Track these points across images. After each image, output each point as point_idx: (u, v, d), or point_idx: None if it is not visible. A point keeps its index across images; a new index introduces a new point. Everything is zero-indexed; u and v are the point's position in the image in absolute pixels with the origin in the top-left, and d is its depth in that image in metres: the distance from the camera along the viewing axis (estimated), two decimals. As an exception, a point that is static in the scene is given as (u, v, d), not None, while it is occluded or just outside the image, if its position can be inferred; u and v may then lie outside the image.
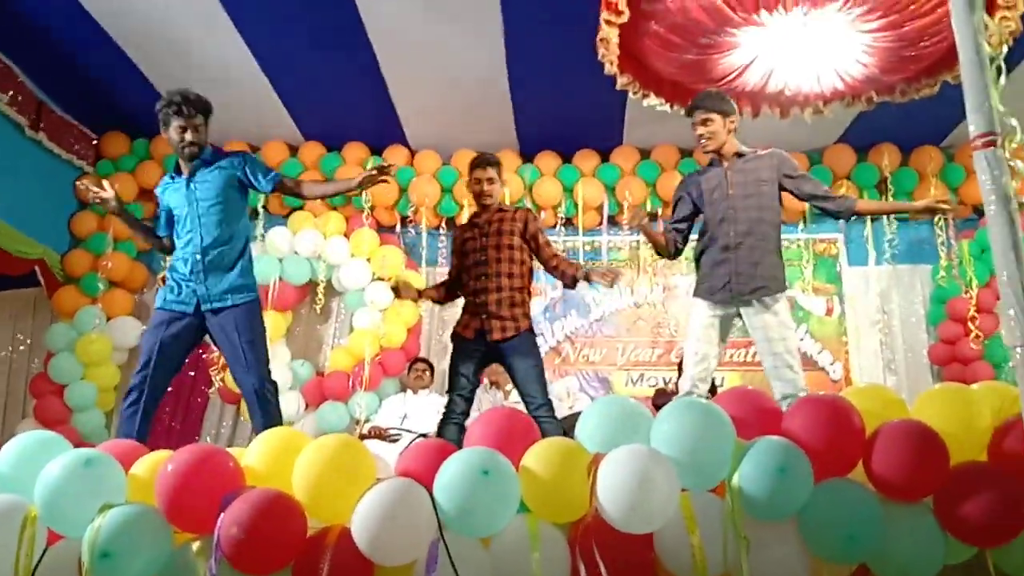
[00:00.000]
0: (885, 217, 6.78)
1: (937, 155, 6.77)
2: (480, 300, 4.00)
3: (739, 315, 3.72)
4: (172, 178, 3.74)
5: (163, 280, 3.70)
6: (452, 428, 3.91)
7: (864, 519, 2.29)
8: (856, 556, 2.34)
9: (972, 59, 2.51)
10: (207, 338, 3.70)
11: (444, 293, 4.32)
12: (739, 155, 3.82)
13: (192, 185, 3.65)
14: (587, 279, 4.04)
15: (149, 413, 3.51)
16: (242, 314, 3.59)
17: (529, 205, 6.99)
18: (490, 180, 4.12)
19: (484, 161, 4.16)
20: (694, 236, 4.02)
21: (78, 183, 3.62)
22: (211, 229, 3.61)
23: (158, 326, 3.58)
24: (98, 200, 3.74)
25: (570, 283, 4.11)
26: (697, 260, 3.90)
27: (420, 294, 4.29)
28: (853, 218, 3.87)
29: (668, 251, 4.03)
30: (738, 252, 3.68)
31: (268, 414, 3.55)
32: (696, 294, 3.82)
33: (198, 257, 3.59)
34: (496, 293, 3.98)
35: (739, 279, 3.66)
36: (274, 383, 3.64)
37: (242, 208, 3.77)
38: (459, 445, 3.86)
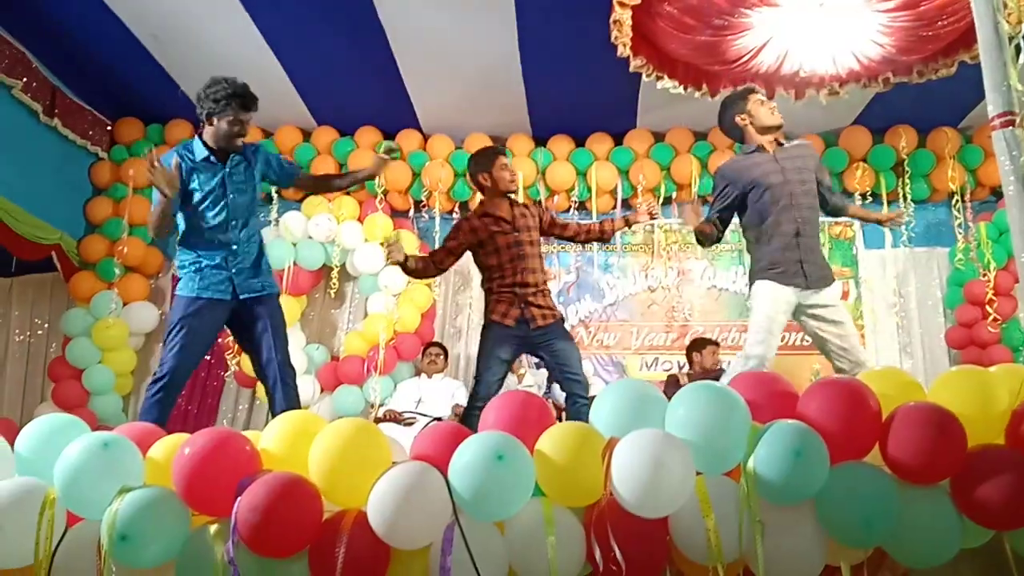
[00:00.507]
0: (902, 200, 6.73)
1: (955, 136, 6.70)
2: (520, 292, 3.98)
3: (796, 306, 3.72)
4: (205, 160, 3.67)
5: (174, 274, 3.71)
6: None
7: (881, 502, 2.28)
8: (873, 539, 2.33)
9: (990, 38, 2.48)
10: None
11: (422, 268, 4.13)
12: (779, 143, 3.81)
13: (227, 177, 3.67)
14: (627, 224, 4.24)
15: (172, 401, 3.55)
16: (271, 303, 3.71)
17: (542, 189, 6.97)
18: (512, 171, 4.15)
19: (503, 151, 4.16)
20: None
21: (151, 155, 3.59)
22: (245, 222, 3.69)
23: (190, 315, 3.58)
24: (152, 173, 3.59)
25: (609, 239, 4.39)
26: (752, 243, 3.84)
27: (405, 259, 4.03)
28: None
29: (712, 240, 3.98)
30: (804, 239, 3.67)
31: (288, 399, 3.62)
32: (765, 277, 3.70)
33: (234, 247, 3.65)
34: (534, 287, 4.01)
35: (810, 267, 3.67)
36: (293, 369, 3.71)
37: (259, 201, 3.88)
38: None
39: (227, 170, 3.67)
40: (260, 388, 6.42)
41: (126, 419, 6.50)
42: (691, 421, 2.38)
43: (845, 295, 6.81)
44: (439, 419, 4.95)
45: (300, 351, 6.53)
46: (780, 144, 3.79)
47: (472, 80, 6.21)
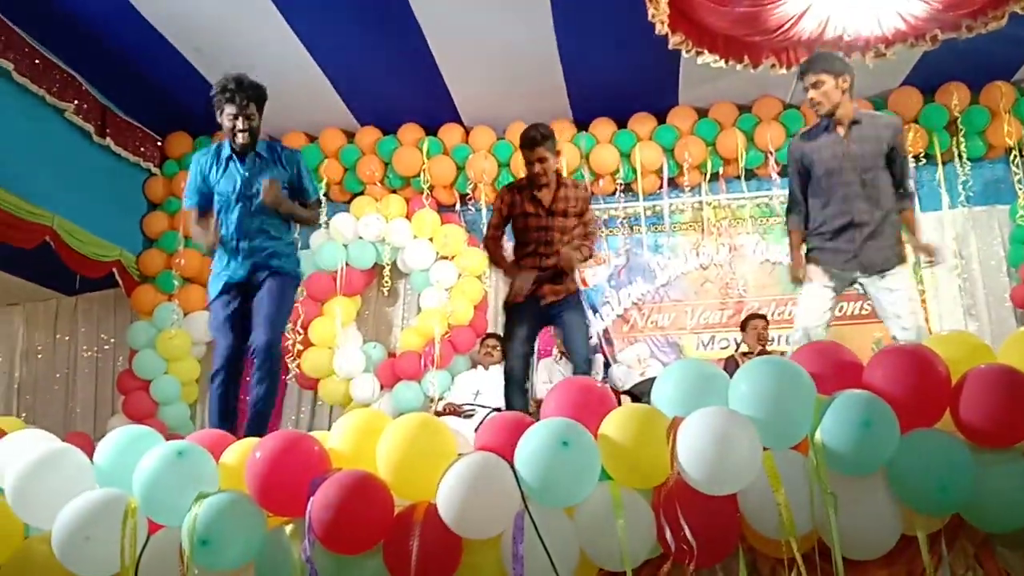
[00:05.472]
0: (957, 159, 6.56)
1: (1009, 91, 6.50)
2: (537, 274, 4.02)
3: (854, 281, 3.69)
4: (228, 159, 3.69)
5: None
6: (519, 395, 4.02)
7: (955, 468, 2.24)
8: (949, 506, 2.29)
9: (1045, -14, 2.41)
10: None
11: (501, 254, 4.24)
12: (854, 122, 3.62)
13: (250, 183, 3.65)
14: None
15: (234, 389, 3.66)
16: (278, 283, 3.66)
17: (587, 174, 6.92)
18: (541, 160, 3.98)
19: (531, 141, 4.00)
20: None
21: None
22: (260, 223, 3.66)
23: (219, 310, 3.67)
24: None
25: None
26: (810, 219, 3.78)
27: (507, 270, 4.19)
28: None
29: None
30: (863, 229, 3.59)
31: (270, 370, 3.61)
32: (812, 261, 3.71)
33: (245, 246, 3.64)
34: (553, 269, 4.02)
35: (868, 255, 3.59)
36: (280, 354, 3.72)
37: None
38: (526, 409, 3.95)
39: (245, 170, 3.66)
40: (322, 389, 6.56)
41: (194, 427, 6.66)
42: (755, 397, 2.37)
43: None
44: (498, 410, 4.96)
45: (358, 350, 6.62)
46: (856, 122, 3.61)
47: (509, 68, 6.20)
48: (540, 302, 4.02)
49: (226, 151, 3.72)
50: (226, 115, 3.60)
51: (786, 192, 3.97)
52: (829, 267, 3.65)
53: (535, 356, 6.52)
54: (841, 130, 3.63)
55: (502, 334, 4.21)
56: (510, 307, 4.13)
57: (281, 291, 3.67)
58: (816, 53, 3.83)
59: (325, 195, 6.99)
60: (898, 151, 3.68)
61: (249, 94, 3.61)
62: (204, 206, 3.77)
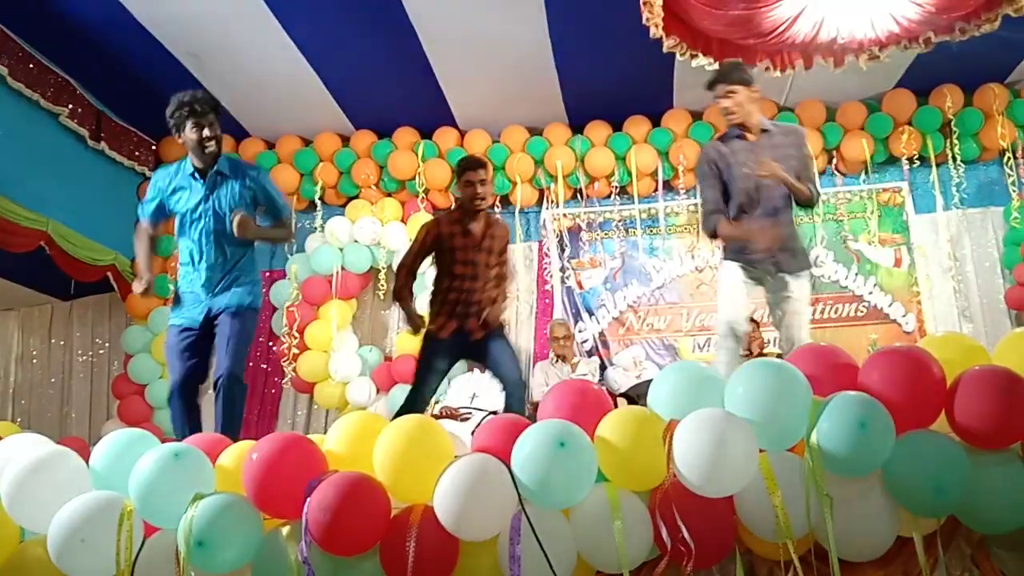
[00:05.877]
0: (951, 161, 6.58)
1: (1002, 93, 6.52)
2: (461, 310, 4.03)
3: (763, 281, 3.80)
4: (191, 177, 3.64)
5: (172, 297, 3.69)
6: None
7: (951, 470, 2.25)
8: (945, 508, 2.30)
9: (1037, -12, 2.42)
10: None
11: (409, 291, 4.21)
12: (764, 131, 3.76)
13: (210, 200, 3.59)
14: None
15: (188, 408, 3.59)
16: (239, 318, 3.58)
17: (582, 177, 6.94)
18: (483, 182, 4.01)
19: (477, 163, 4.06)
20: None
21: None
22: (225, 246, 3.60)
23: (175, 336, 3.61)
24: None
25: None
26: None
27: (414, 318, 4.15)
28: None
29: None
30: (772, 231, 3.68)
31: (225, 413, 3.52)
32: (731, 259, 3.81)
33: (210, 274, 3.59)
34: (478, 305, 4.04)
35: (782, 256, 3.71)
36: (244, 385, 3.64)
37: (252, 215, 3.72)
38: None
39: (207, 187, 3.60)
40: (318, 393, 6.56)
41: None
42: (751, 399, 2.37)
43: (898, 262, 6.68)
44: (495, 412, 4.97)
45: (354, 353, 6.62)
46: (765, 130, 3.75)
47: (505, 72, 6.21)
48: (469, 338, 4.02)
49: (188, 169, 3.66)
50: (188, 130, 3.55)
51: None
52: (745, 266, 3.75)
53: (531, 361, 6.56)
54: (752, 138, 3.75)
55: (417, 360, 4.13)
56: (430, 338, 4.07)
57: (241, 326, 3.60)
58: (727, 63, 3.96)
59: (320, 199, 7.00)
60: (806, 156, 3.83)
61: (206, 105, 3.58)
62: (157, 222, 3.77)
